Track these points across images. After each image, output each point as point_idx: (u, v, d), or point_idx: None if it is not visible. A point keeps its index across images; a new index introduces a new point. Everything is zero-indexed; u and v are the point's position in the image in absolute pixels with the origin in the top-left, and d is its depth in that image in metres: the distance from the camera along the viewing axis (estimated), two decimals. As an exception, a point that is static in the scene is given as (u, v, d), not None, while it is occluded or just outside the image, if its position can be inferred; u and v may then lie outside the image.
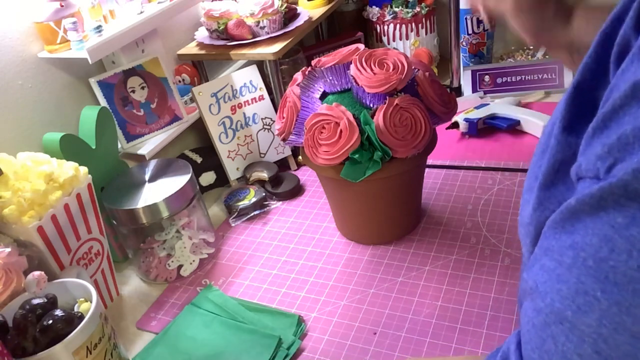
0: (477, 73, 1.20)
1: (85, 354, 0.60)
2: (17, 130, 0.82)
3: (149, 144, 0.96)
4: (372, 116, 0.72)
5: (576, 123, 0.33)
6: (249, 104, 1.07)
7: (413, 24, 1.28)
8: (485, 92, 1.20)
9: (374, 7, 1.31)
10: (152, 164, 0.88)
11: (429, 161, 1.00)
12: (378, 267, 0.81)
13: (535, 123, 1.03)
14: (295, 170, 1.10)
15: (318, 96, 0.81)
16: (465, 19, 1.20)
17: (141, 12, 0.92)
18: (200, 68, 1.12)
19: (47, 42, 0.83)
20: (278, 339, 0.70)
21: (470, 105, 1.12)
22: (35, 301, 0.62)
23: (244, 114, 1.07)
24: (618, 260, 0.27)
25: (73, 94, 0.90)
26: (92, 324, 0.61)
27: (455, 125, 1.09)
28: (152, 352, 0.72)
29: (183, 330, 0.75)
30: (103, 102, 0.91)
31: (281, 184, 1.02)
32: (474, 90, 1.21)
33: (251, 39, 1.02)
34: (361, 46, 0.79)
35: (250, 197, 0.98)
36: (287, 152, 1.10)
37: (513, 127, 1.06)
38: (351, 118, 0.72)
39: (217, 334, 0.73)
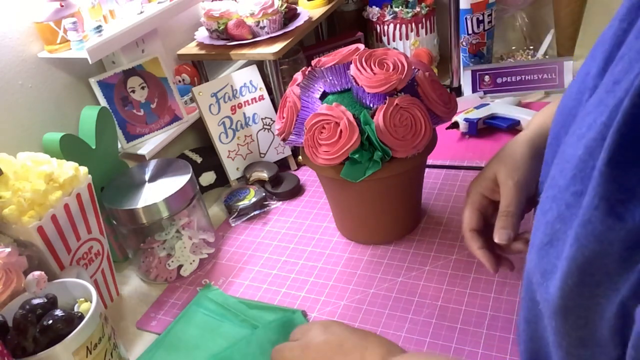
0: (477, 73, 1.20)
1: (85, 354, 0.60)
2: (17, 130, 0.82)
3: (149, 144, 0.96)
4: (372, 116, 0.72)
5: (625, 156, 0.29)
6: (249, 104, 1.07)
7: (413, 24, 1.28)
8: (485, 92, 1.20)
9: (374, 7, 1.31)
10: (152, 164, 0.88)
11: (429, 161, 1.00)
12: (378, 267, 0.81)
13: (535, 123, 1.03)
14: (295, 170, 1.10)
15: (318, 96, 0.81)
16: (465, 19, 1.20)
17: (141, 12, 0.92)
18: (200, 68, 1.12)
19: (47, 42, 0.83)
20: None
21: (470, 105, 1.12)
22: (35, 301, 0.62)
23: (244, 114, 1.07)
24: None
25: (73, 94, 0.90)
26: (92, 324, 0.61)
27: (455, 125, 1.09)
28: (154, 356, 0.72)
29: (185, 331, 0.75)
30: (103, 102, 0.91)
31: (281, 184, 1.02)
32: (474, 90, 1.21)
33: (251, 39, 1.02)
34: (361, 46, 0.79)
35: (250, 197, 0.98)
36: (287, 152, 1.10)
37: (513, 127, 1.06)
38: (351, 118, 0.71)
39: (223, 336, 0.73)
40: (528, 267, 0.39)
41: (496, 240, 0.60)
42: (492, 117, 1.08)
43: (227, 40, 1.04)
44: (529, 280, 0.41)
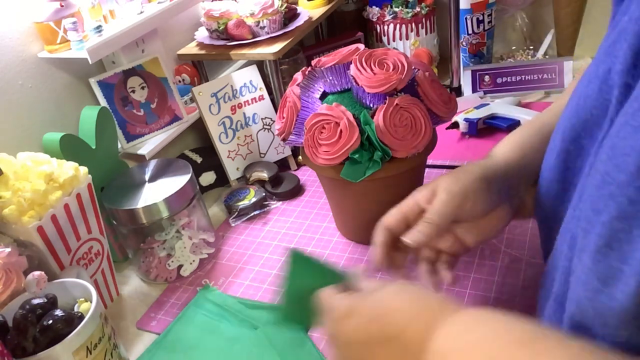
0: (477, 73, 1.20)
1: (85, 354, 0.60)
2: (17, 130, 0.82)
3: (149, 144, 0.96)
4: (372, 116, 0.72)
5: None
6: (249, 104, 1.07)
7: (413, 24, 1.28)
8: (485, 92, 1.20)
9: (374, 7, 1.31)
10: (152, 164, 0.88)
11: (429, 161, 0.99)
12: (378, 267, 0.81)
13: (535, 123, 1.03)
14: (295, 170, 1.10)
15: (318, 96, 0.81)
16: (465, 19, 1.20)
17: (141, 12, 0.92)
18: (200, 68, 1.12)
19: (47, 42, 0.83)
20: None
21: (470, 105, 1.12)
22: (35, 301, 0.62)
23: (244, 114, 1.07)
24: None
25: (73, 94, 0.90)
26: (92, 324, 0.61)
27: (455, 125, 1.09)
28: (154, 356, 0.72)
29: (185, 332, 0.75)
30: (103, 102, 0.91)
31: (281, 184, 1.02)
32: (474, 90, 1.21)
33: (251, 39, 1.02)
34: (361, 46, 0.79)
35: (250, 197, 0.98)
36: (287, 152, 1.10)
37: (513, 127, 1.05)
38: (351, 118, 0.72)
39: (222, 336, 0.73)
40: (577, 274, 0.35)
41: (404, 238, 0.56)
42: (492, 117, 1.08)
43: (227, 40, 1.04)
44: (571, 289, 0.37)
